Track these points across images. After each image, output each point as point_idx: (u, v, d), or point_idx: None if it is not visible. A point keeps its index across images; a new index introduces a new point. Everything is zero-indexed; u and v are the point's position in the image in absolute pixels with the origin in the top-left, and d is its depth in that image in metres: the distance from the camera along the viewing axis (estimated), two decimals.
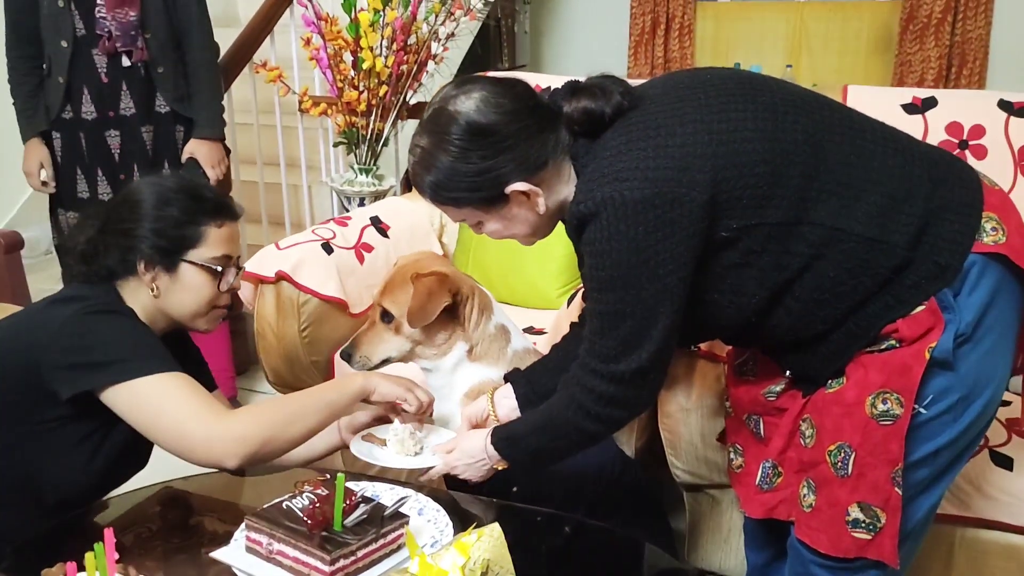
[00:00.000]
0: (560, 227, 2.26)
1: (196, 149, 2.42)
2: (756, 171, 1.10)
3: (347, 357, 1.53)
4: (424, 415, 1.47)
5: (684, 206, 1.09)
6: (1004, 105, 1.90)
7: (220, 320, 1.45)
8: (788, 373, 1.28)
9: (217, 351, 2.55)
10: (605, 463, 1.59)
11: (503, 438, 1.31)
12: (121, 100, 2.35)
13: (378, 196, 2.67)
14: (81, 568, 0.99)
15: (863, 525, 1.16)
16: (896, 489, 1.15)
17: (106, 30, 2.27)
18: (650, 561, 1.28)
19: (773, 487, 1.29)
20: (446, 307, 1.50)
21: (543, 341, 1.83)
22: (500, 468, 1.34)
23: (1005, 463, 1.50)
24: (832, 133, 1.14)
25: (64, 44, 2.28)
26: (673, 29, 5.10)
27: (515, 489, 1.52)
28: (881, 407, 1.14)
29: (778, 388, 1.30)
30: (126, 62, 2.32)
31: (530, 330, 1.99)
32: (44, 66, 2.33)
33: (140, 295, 1.38)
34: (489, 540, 1.08)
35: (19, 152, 2.41)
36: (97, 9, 2.26)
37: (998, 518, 1.49)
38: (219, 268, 1.39)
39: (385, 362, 1.54)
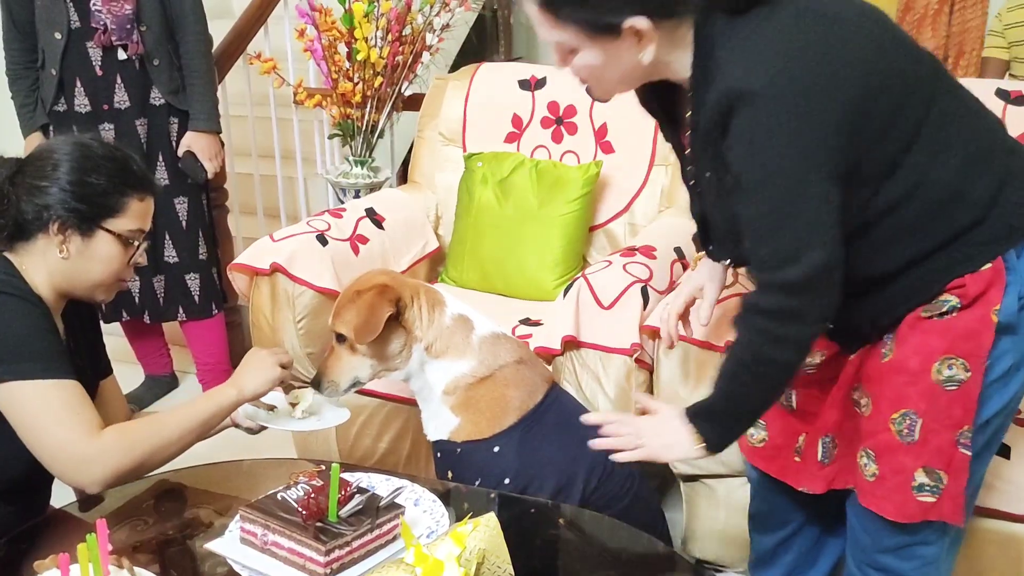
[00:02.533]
0: (547, 218, 2.25)
1: (193, 142, 2.40)
2: (893, 89, 1.08)
3: (316, 385, 1.53)
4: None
5: (851, 100, 1.04)
6: (1001, 94, 1.90)
7: (115, 292, 1.43)
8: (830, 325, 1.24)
9: (214, 344, 2.55)
10: (598, 455, 1.58)
11: (697, 413, 1.21)
12: (115, 93, 2.33)
13: (373, 188, 2.66)
14: (74, 560, 0.99)
15: (928, 489, 1.18)
16: (961, 450, 1.17)
17: (101, 23, 2.25)
18: (646, 550, 1.28)
19: (833, 459, 1.29)
20: (394, 316, 1.49)
21: (539, 333, 1.83)
22: (699, 446, 1.20)
23: (1003, 451, 1.50)
24: (940, 81, 1.13)
25: (58, 36, 2.26)
26: None
27: (507, 480, 1.52)
28: (947, 372, 1.15)
29: (816, 360, 1.30)
30: (122, 55, 2.30)
31: (527, 321, 1.99)
32: (39, 59, 2.31)
33: (47, 257, 1.34)
34: (485, 530, 1.08)
35: (12, 143, 2.39)
36: (92, 2, 2.24)
37: (995, 506, 1.49)
38: (134, 241, 1.38)
39: (355, 384, 1.54)
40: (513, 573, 1.09)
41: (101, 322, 2.32)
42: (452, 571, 1.03)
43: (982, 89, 1.93)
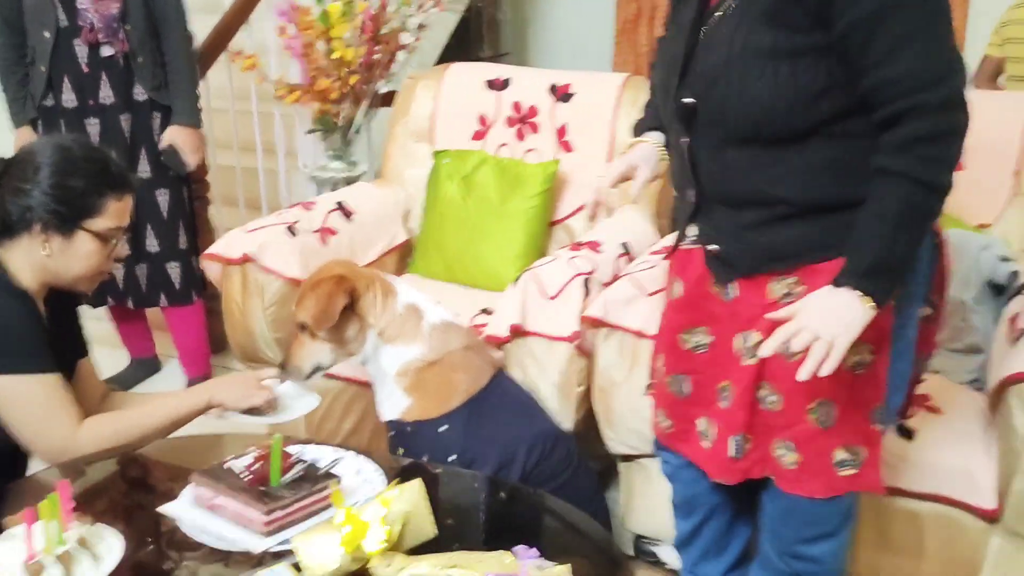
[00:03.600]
0: (508, 213, 2.35)
1: (176, 136, 2.51)
2: None
3: (283, 369, 1.65)
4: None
5: None
6: None
7: (97, 283, 1.54)
8: (713, 247, 1.30)
9: (194, 329, 2.66)
10: (538, 435, 1.71)
11: (864, 275, 1.16)
12: (101, 89, 2.43)
13: (350, 181, 2.77)
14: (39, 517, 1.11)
15: (849, 463, 1.29)
16: (873, 426, 1.28)
17: (88, 22, 2.35)
18: (570, 523, 1.38)
19: (745, 454, 1.34)
20: (349, 304, 1.61)
21: (494, 321, 1.94)
22: (868, 307, 1.16)
23: (907, 434, 1.61)
24: None
25: (47, 34, 2.36)
26: (658, 18, 5.16)
27: (453, 457, 1.64)
28: (855, 359, 1.22)
29: (706, 340, 1.35)
30: (107, 52, 2.40)
31: (486, 311, 2.10)
32: (29, 55, 2.42)
33: (32, 253, 1.44)
34: (410, 494, 1.20)
35: (3, 134, 2.51)
36: (79, 1, 2.34)
37: (900, 485, 1.61)
38: (113, 239, 1.48)
39: (317, 369, 1.66)
40: (436, 532, 1.20)
41: (89, 306, 2.47)
42: (377, 530, 1.15)
43: None
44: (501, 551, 1.15)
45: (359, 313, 1.65)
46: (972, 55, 4.33)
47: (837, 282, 1.17)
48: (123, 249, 1.53)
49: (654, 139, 1.42)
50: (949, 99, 1.12)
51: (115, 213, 1.47)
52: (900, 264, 1.19)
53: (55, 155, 1.45)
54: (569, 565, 1.12)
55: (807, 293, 1.21)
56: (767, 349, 1.18)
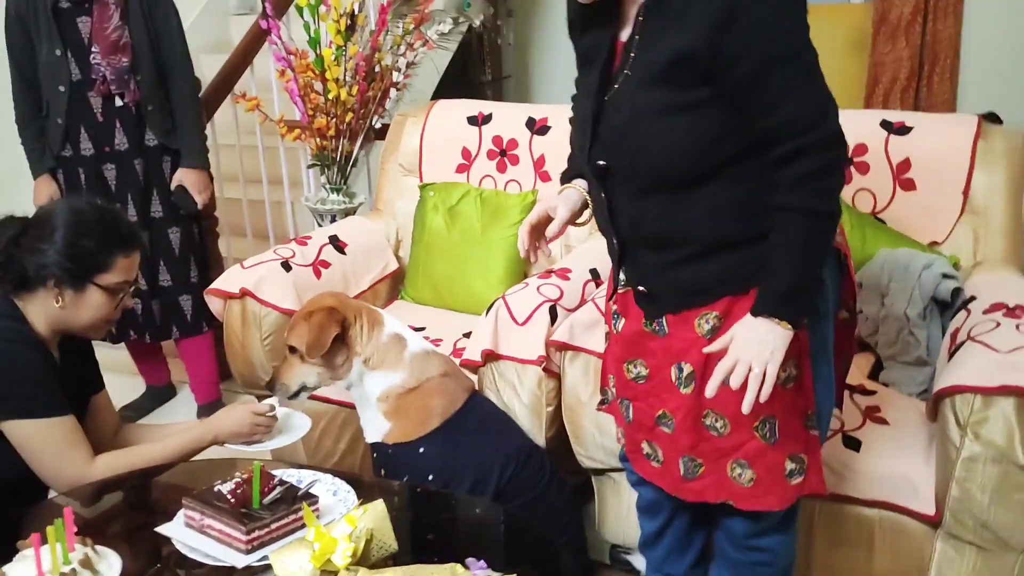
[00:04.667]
0: (489, 242, 2.48)
1: (184, 177, 2.68)
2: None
3: (271, 387, 1.80)
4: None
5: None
6: (885, 124, 2.10)
7: (105, 331, 1.70)
8: (641, 287, 1.41)
9: (204, 358, 2.83)
10: (511, 453, 1.83)
11: (776, 302, 1.27)
12: (115, 136, 2.60)
13: (349, 212, 2.92)
14: (46, 541, 1.26)
15: (796, 472, 1.40)
16: (811, 432, 1.39)
17: (101, 74, 2.53)
18: (529, 540, 1.50)
19: (697, 476, 1.44)
20: (338, 334, 1.75)
21: (469, 346, 2.07)
22: (787, 330, 1.27)
23: (853, 445, 1.71)
24: None
25: (62, 89, 2.55)
26: None
27: (431, 477, 1.77)
28: (783, 375, 1.32)
29: (645, 372, 1.47)
30: (119, 102, 2.58)
31: (469, 335, 2.23)
32: (44, 109, 2.61)
33: (46, 305, 1.60)
34: (374, 513, 1.34)
35: (19, 188, 2.70)
36: (92, 56, 2.52)
37: (849, 493, 1.71)
38: (121, 292, 1.64)
39: (303, 388, 1.81)
40: (397, 548, 1.33)
41: (108, 341, 2.64)
42: (343, 546, 1.28)
43: (866, 119, 2.14)
44: (453, 563, 1.28)
45: (347, 342, 1.79)
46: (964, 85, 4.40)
47: (755, 312, 1.28)
48: (130, 300, 1.69)
49: (580, 185, 1.53)
50: (827, 138, 1.24)
51: (123, 268, 1.63)
52: (809, 286, 1.30)
53: (69, 218, 1.61)
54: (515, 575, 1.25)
55: (730, 326, 1.33)
56: (711, 389, 1.30)
